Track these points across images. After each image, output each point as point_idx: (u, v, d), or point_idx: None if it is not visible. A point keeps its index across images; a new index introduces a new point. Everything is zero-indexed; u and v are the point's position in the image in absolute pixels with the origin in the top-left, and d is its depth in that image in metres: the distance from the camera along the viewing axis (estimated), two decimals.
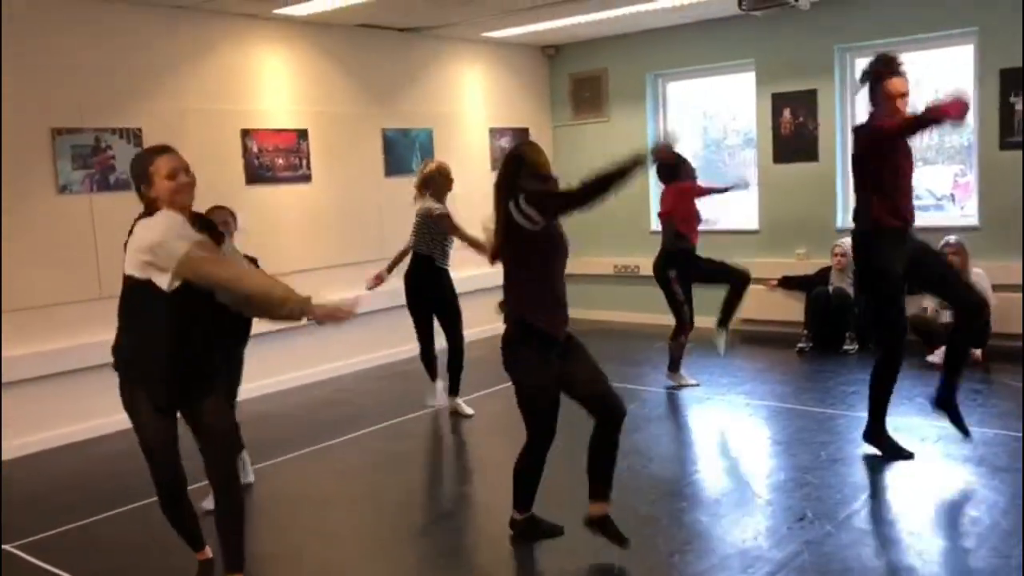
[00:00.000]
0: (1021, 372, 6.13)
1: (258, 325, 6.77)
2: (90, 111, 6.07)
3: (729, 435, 5.53)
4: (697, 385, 6.50)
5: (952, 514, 4.05)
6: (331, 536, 4.28)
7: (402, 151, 8.11)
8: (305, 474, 5.16)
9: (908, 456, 4.63)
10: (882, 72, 4.31)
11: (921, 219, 4.94)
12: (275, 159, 7.18)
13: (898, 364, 4.60)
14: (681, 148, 6.73)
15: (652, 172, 9.01)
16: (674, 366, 6.59)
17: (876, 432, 4.72)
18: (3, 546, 4.19)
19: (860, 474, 4.59)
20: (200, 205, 6.68)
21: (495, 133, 9.05)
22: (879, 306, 4.62)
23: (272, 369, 7.02)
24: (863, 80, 4.48)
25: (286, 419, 6.28)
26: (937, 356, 6.41)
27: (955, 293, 4.66)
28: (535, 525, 3.92)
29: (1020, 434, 4.86)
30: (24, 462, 5.60)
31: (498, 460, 5.26)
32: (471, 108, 8.84)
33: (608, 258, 9.25)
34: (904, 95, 4.28)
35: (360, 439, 5.70)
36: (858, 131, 4.49)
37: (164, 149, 3.28)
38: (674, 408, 6.05)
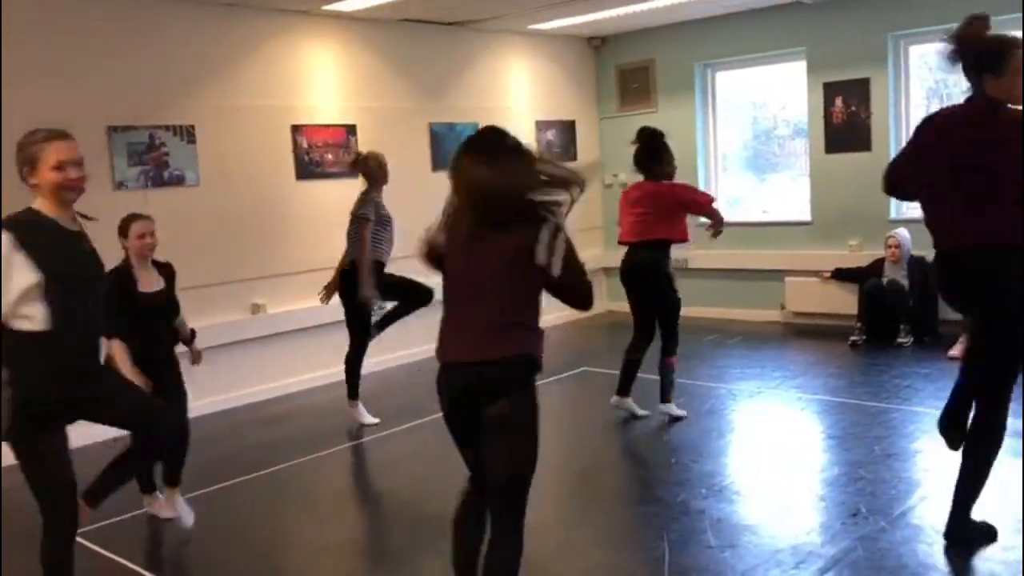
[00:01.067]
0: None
1: (304, 320, 6.89)
2: (144, 109, 6.18)
3: (781, 430, 5.46)
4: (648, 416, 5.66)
5: (1010, 511, 3.95)
6: (384, 527, 4.32)
7: (449, 146, 8.11)
8: (355, 466, 5.22)
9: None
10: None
11: None
12: (324, 154, 7.25)
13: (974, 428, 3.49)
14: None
15: (701, 165, 8.96)
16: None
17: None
18: None
19: (915, 469, 4.51)
20: (254, 199, 6.78)
21: (541, 126, 9.03)
22: None
23: (318, 363, 7.10)
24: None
25: (334, 413, 6.34)
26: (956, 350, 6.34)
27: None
28: None
29: None
30: (81, 452, 5.72)
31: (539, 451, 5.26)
32: (517, 101, 8.84)
33: None
34: None
35: (407, 431, 5.74)
36: None
37: (61, 135, 2.94)
38: (724, 403, 5.99)
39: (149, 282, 4.20)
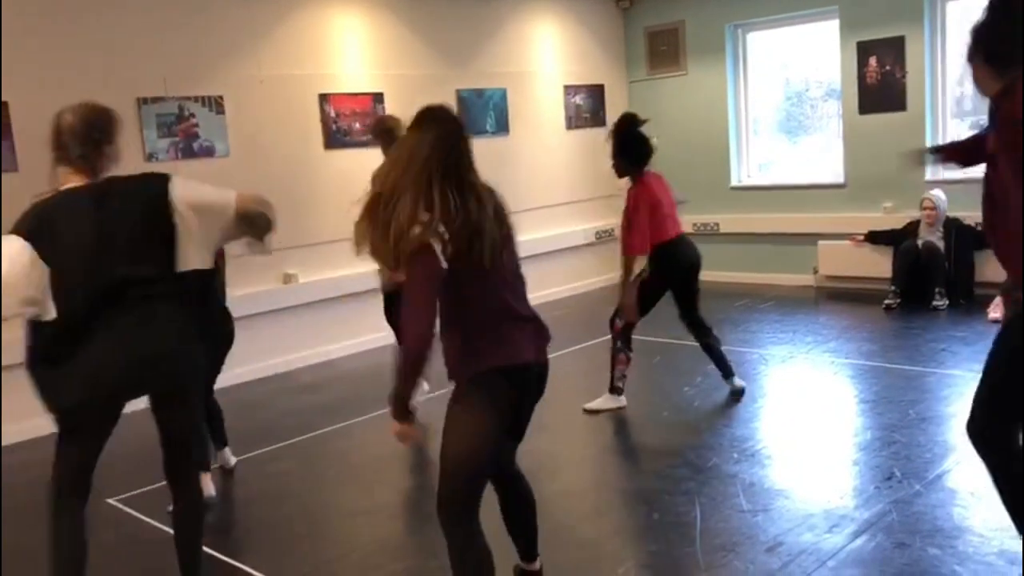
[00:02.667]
0: None
1: (340, 288, 6.93)
2: (173, 80, 6.21)
3: (814, 394, 5.43)
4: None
5: None
6: (416, 493, 4.37)
7: (477, 112, 8.09)
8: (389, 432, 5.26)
9: None
10: None
11: None
12: (352, 123, 7.24)
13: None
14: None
15: (732, 128, 8.86)
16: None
17: None
18: (107, 500, 4.40)
19: (950, 433, 4.46)
20: (283, 170, 6.77)
21: (570, 90, 8.95)
22: None
23: (351, 331, 7.15)
24: None
25: (368, 379, 6.40)
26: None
27: None
28: None
29: None
30: (120, 420, 5.83)
31: (568, 416, 5.28)
32: (545, 66, 8.76)
33: (687, 216, 9.11)
34: None
35: (441, 398, 5.77)
36: None
37: None
38: (756, 368, 5.96)
39: None
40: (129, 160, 5.99)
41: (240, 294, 6.49)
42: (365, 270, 7.27)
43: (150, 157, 6.11)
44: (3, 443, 5.43)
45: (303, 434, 5.27)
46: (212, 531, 3.99)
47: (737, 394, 5.25)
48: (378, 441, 5.11)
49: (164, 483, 4.55)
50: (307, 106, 6.97)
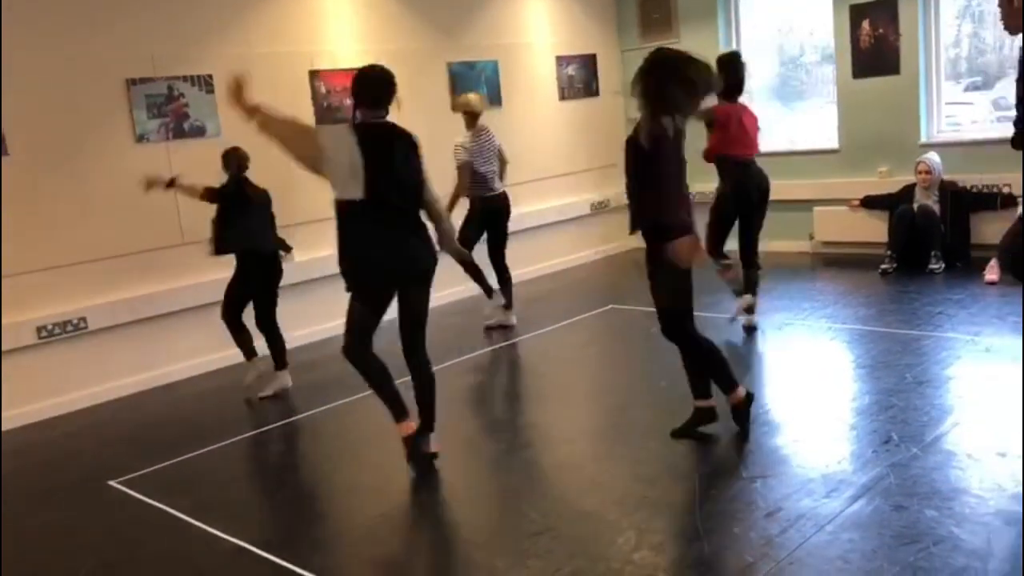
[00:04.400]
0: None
1: None
2: (162, 60, 6.15)
3: (811, 360, 5.44)
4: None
5: None
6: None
7: (468, 84, 8.03)
8: (386, 411, 5.26)
9: None
10: None
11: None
12: (344, 99, 7.18)
13: None
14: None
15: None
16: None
17: None
18: (108, 482, 4.42)
19: (947, 396, 4.48)
20: (276, 148, 6.71)
21: (562, 61, 8.89)
22: None
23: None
24: None
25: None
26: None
27: None
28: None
29: None
30: (119, 404, 5.86)
31: (566, 388, 5.29)
32: (536, 36, 8.69)
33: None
34: None
35: (443, 371, 5.77)
36: None
37: None
38: (753, 335, 5.96)
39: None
40: (120, 143, 6.04)
41: None
42: None
43: (141, 138, 6.07)
44: (3, 428, 5.46)
45: (299, 413, 5.28)
46: (210, 507, 4.01)
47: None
48: (372, 420, 5.11)
49: (165, 464, 4.60)
50: (297, 83, 6.92)
